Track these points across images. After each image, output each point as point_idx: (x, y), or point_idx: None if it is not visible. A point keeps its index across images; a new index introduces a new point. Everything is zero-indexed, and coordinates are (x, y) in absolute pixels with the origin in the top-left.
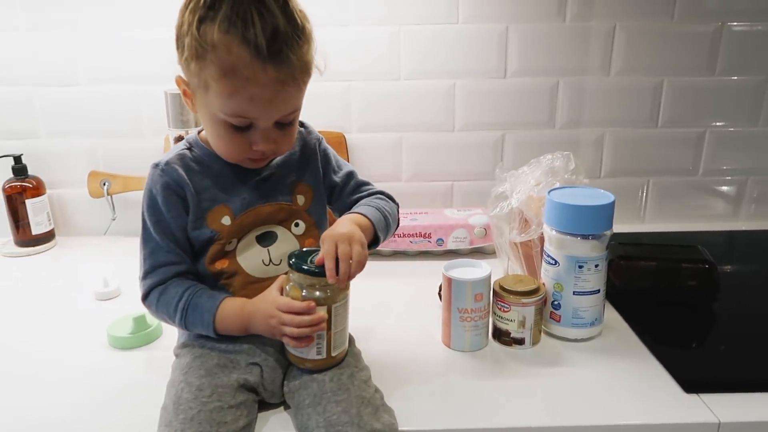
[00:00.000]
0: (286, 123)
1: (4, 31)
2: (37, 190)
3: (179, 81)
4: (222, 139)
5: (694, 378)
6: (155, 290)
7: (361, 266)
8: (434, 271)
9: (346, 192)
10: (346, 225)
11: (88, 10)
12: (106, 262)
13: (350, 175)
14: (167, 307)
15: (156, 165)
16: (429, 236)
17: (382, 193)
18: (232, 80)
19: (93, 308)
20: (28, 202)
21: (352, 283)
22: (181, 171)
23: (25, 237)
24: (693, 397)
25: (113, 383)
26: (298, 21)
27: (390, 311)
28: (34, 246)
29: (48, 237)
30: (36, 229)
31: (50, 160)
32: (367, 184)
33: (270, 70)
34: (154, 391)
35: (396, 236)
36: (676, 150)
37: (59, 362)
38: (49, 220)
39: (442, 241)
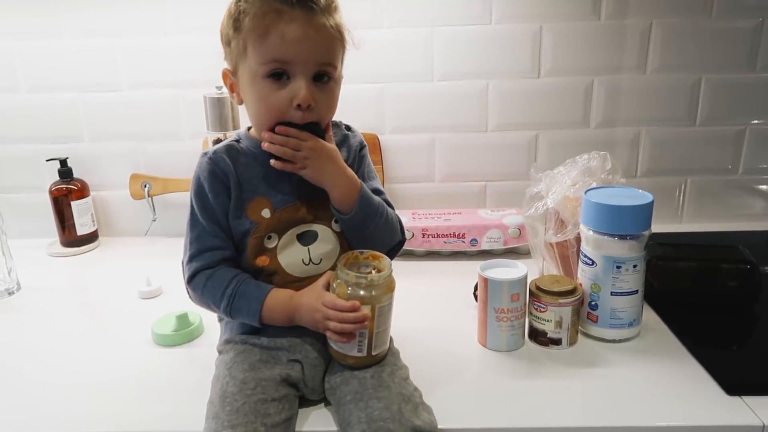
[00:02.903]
0: (324, 78)
1: (49, 39)
2: (82, 192)
3: (225, 74)
4: (263, 100)
5: (736, 380)
6: (202, 273)
7: None
8: (468, 271)
9: None
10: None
11: (130, 16)
12: (147, 262)
13: (376, 191)
14: (213, 292)
15: (205, 154)
16: (463, 236)
17: (392, 207)
18: (264, 22)
19: (137, 306)
20: (74, 204)
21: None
22: (227, 160)
23: (71, 237)
24: (735, 399)
25: (159, 379)
26: None
27: (425, 311)
28: (79, 246)
29: (92, 237)
30: (81, 230)
31: (94, 163)
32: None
33: (299, 11)
34: (199, 387)
35: (430, 237)
36: (715, 148)
37: (105, 359)
38: (93, 221)
39: (476, 241)
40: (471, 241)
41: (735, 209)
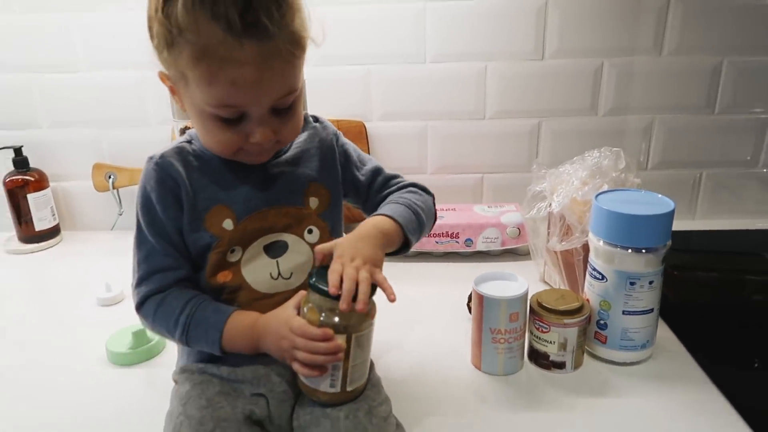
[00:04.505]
0: (285, 108)
1: None
2: (40, 183)
3: (162, 77)
4: (213, 135)
5: (762, 413)
6: (152, 299)
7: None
8: (462, 275)
9: (373, 190)
10: (363, 238)
11: None
12: (111, 260)
13: (376, 171)
14: (166, 321)
15: (151, 158)
16: (457, 236)
17: (414, 185)
18: (208, 64)
19: (94, 315)
20: (30, 197)
21: None
22: (177, 165)
23: (29, 233)
24: None
25: (110, 404)
26: None
27: (413, 323)
28: (38, 242)
29: (53, 232)
30: (39, 225)
31: (52, 152)
32: (396, 177)
33: (248, 45)
34: (155, 415)
35: None
36: (735, 139)
37: (53, 378)
38: (54, 215)
39: (471, 241)
40: (465, 241)
41: (754, 205)
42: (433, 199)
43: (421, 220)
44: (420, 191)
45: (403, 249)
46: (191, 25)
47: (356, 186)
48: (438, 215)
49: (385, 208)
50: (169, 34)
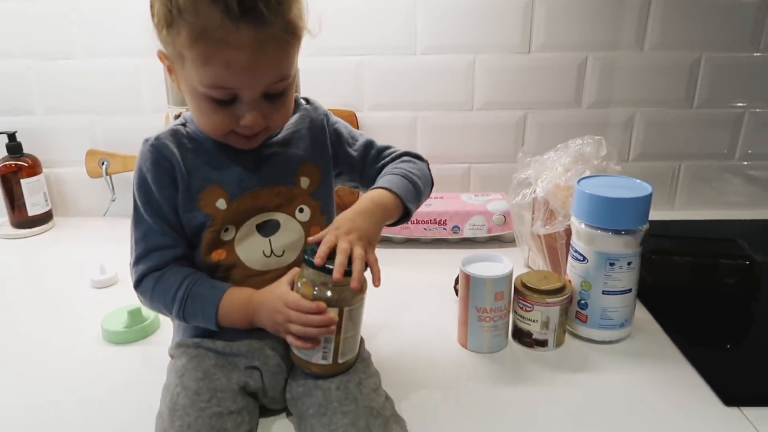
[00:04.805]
0: (276, 94)
1: None
2: (33, 169)
3: (161, 55)
4: (205, 115)
5: (734, 389)
6: (149, 276)
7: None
8: (449, 260)
9: (367, 164)
10: (361, 212)
11: None
12: (104, 245)
13: (368, 145)
14: (164, 297)
15: (146, 140)
16: (444, 223)
17: (407, 153)
18: (204, 45)
19: (89, 296)
20: (24, 182)
21: None
22: (172, 147)
23: (22, 218)
24: (734, 411)
25: (107, 381)
26: None
27: (402, 306)
28: (30, 228)
29: (45, 218)
30: (32, 210)
31: (46, 138)
32: (388, 147)
33: (245, 30)
34: (151, 391)
35: (409, 223)
36: (712, 132)
37: (49, 357)
38: (46, 201)
39: (458, 228)
40: (453, 228)
41: (730, 196)
42: (428, 165)
43: (418, 187)
44: (414, 159)
45: (404, 218)
46: (191, 7)
47: (350, 163)
48: (426, 203)
49: (382, 180)
50: (169, 13)
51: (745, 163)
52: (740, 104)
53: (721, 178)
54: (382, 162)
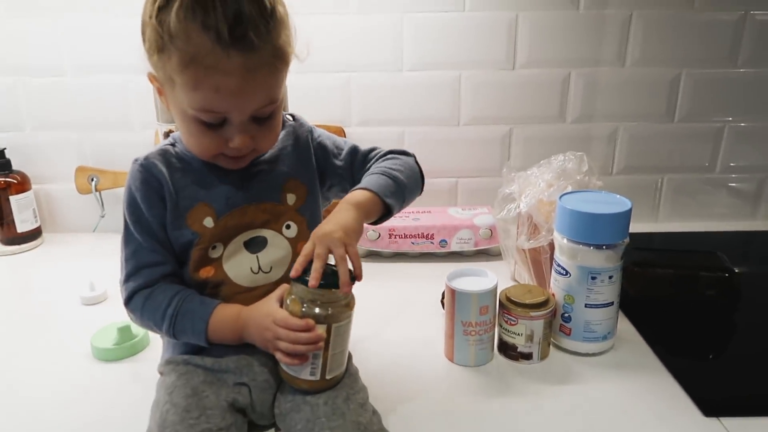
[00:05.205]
0: (264, 117)
1: None
2: (22, 185)
3: (151, 78)
4: (194, 137)
5: (713, 399)
6: (140, 294)
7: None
8: (437, 275)
9: (355, 170)
10: (335, 214)
11: None
12: (93, 262)
13: (353, 151)
14: (154, 314)
15: (135, 160)
16: (432, 237)
17: (391, 151)
18: (195, 70)
19: (78, 313)
20: (13, 199)
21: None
22: (161, 167)
23: (10, 235)
24: (713, 421)
25: (96, 398)
26: (267, 3)
27: (390, 319)
28: (19, 244)
29: (34, 235)
30: (21, 227)
31: (35, 154)
32: (373, 149)
33: (235, 56)
34: (140, 408)
35: (397, 237)
36: (693, 146)
37: (39, 373)
38: (35, 218)
39: (446, 242)
40: (440, 242)
41: (712, 208)
42: (415, 158)
43: (400, 181)
44: (397, 155)
45: (385, 217)
46: (182, 34)
47: (339, 173)
48: (413, 217)
49: (361, 183)
50: (160, 39)
51: (726, 175)
52: (720, 118)
53: (703, 191)
54: (369, 165)
